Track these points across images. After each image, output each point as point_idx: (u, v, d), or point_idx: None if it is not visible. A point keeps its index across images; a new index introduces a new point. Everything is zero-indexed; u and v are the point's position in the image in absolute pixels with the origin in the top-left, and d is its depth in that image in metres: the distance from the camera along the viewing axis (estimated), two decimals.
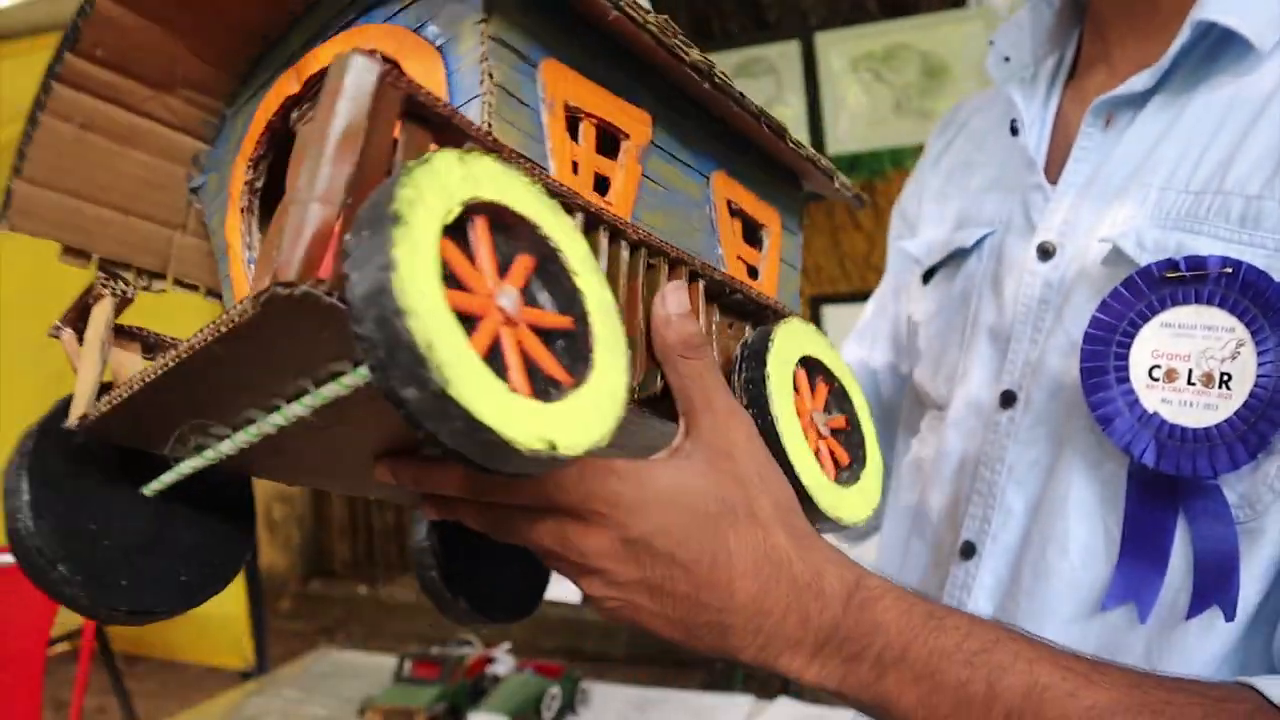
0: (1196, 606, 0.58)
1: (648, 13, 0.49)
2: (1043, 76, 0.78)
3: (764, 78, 2.43)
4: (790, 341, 0.57)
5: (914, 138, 2.34)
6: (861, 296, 2.69)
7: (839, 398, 0.61)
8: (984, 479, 0.71)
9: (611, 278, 0.49)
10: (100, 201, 0.54)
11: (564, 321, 0.41)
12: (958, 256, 0.80)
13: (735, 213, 0.61)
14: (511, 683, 1.88)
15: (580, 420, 0.39)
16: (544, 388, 0.39)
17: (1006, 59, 0.79)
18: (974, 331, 0.75)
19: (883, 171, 2.64)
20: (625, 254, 0.50)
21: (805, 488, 0.54)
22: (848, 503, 0.56)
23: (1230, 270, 0.57)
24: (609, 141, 0.51)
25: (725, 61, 2.44)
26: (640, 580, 0.47)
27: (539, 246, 0.41)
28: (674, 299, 0.51)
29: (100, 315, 0.53)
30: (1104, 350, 0.59)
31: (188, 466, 0.48)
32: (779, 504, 0.50)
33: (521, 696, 1.82)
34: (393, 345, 0.34)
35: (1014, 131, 0.77)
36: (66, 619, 2.39)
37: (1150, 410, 0.58)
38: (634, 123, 0.52)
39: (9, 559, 1.60)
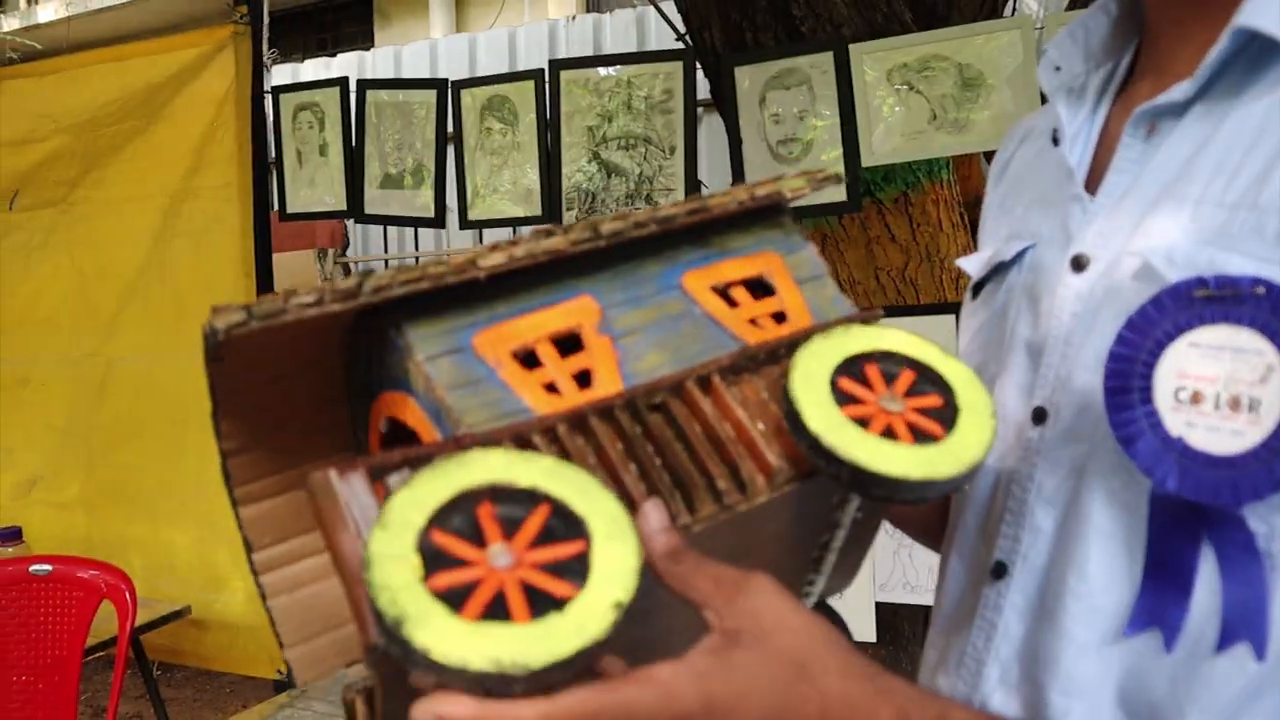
0: (1225, 641, 0.55)
1: (513, 243, 0.57)
2: (1092, 87, 0.77)
3: (797, 89, 2.41)
4: (811, 363, 0.58)
5: (950, 149, 2.30)
6: (899, 311, 2.66)
7: (894, 363, 0.61)
8: (1015, 497, 0.70)
9: (625, 441, 0.55)
10: (342, 623, 0.65)
11: (569, 550, 0.48)
12: (1001, 270, 0.79)
13: (726, 289, 0.63)
14: None
15: (573, 626, 0.45)
16: (544, 610, 0.46)
17: (1057, 68, 0.78)
18: (1011, 345, 0.74)
19: (918, 183, 2.61)
20: (625, 417, 0.56)
21: (891, 477, 0.54)
22: (947, 458, 0.56)
23: (1262, 290, 0.55)
24: (574, 340, 0.58)
25: (758, 74, 2.43)
26: None
27: (522, 495, 0.49)
28: (654, 517, 0.52)
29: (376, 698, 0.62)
30: (1129, 369, 0.57)
31: None
32: (835, 658, 0.51)
33: None
34: (399, 650, 0.44)
35: (1055, 142, 0.75)
36: (101, 627, 2.41)
37: (1174, 434, 0.55)
38: (575, 314, 0.58)
39: (46, 568, 1.63)
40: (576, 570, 0.47)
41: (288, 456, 0.62)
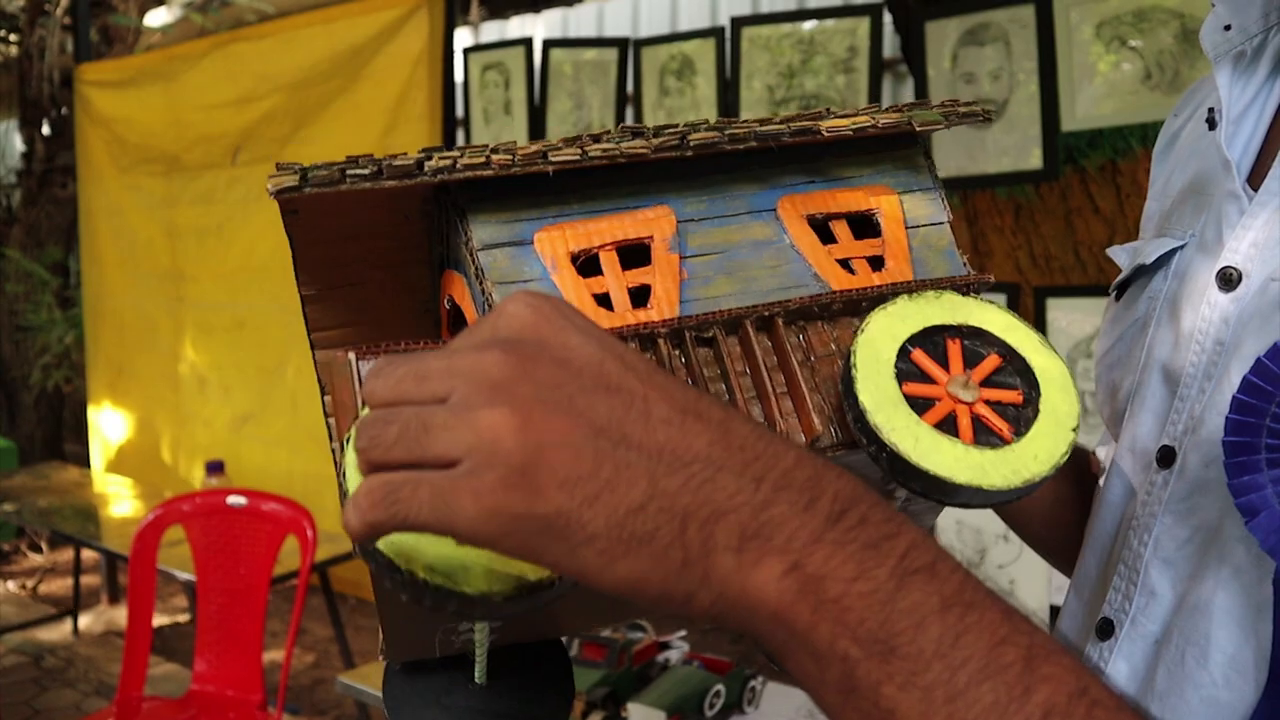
0: None
1: (595, 138, 0.52)
2: (1270, 50, 0.62)
3: (992, 45, 2.22)
4: (886, 326, 0.52)
5: (1166, 112, 2.07)
6: (1097, 290, 2.43)
7: (982, 343, 0.53)
8: (1131, 548, 0.60)
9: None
10: None
11: None
12: (1144, 272, 0.67)
13: (824, 220, 0.57)
14: (676, 674, 1.85)
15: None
16: None
17: (1227, 27, 0.63)
18: (1147, 366, 0.63)
19: (1129, 149, 2.35)
20: (668, 347, 0.52)
21: (932, 474, 0.47)
22: (1001, 467, 0.48)
23: None
24: (642, 251, 0.54)
25: (951, 29, 2.25)
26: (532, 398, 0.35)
27: None
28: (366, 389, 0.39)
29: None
30: (1255, 423, 0.46)
31: (479, 649, 0.56)
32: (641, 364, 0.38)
33: (683, 691, 1.78)
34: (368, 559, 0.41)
35: (1211, 124, 0.62)
36: (286, 559, 2.59)
37: None
38: (650, 223, 0.54)
39: (241, 500, 1.75)
40: None
41: (364, 311, 0.62)
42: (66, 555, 4.53)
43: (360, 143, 3.14)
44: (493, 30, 6.30)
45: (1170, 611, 0.56)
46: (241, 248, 3.59)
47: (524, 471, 0.34)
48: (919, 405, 0.50)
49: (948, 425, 0.49)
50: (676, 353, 0.52)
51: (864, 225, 0.57)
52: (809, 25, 2.49)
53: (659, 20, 5.64)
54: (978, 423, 0.50)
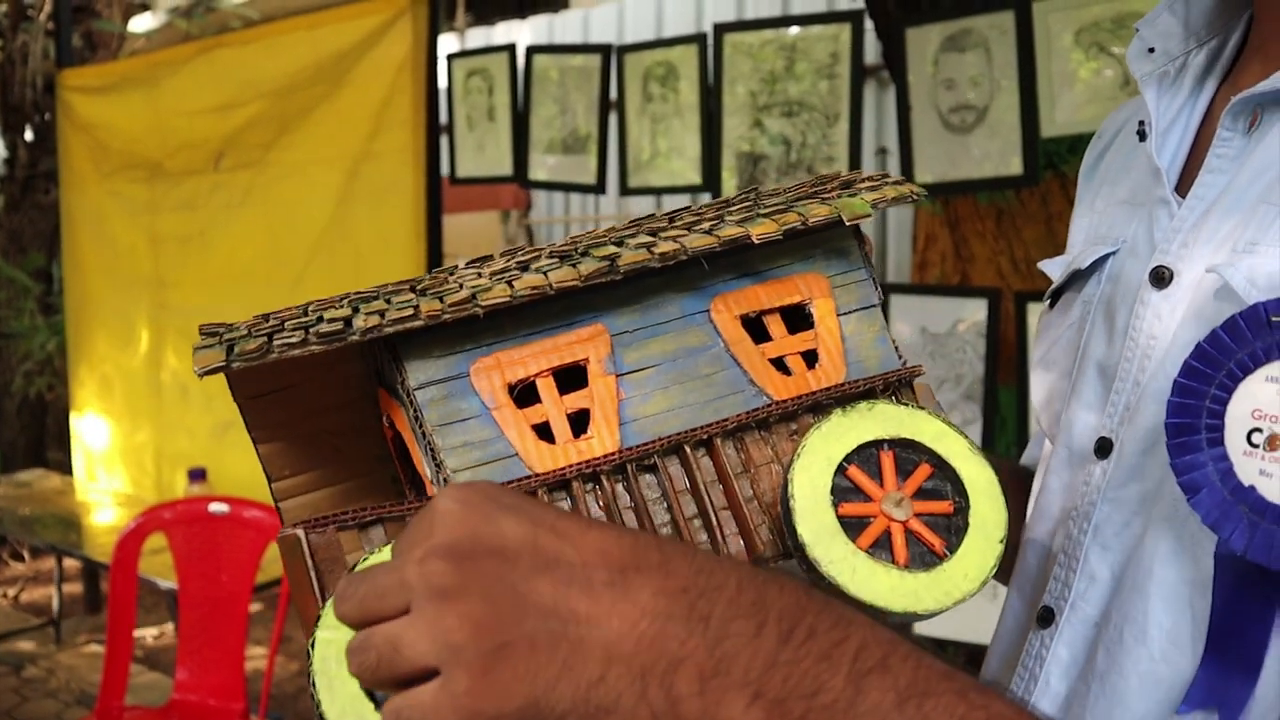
0: None
1: (524, 266, 0.53)
2: (1193, 68, 0.66)
3: (973, 52, 2.23)
4: (819, 451, 0.54)
5: None
6: None
7: (913, 452, 0.55)
8: (1071, 537, 0.62)
9: (607, 511, 0.53)
10: None
11: None
12: (1078, 278, 0.70)
13: (757, 318, 0.58)
14: None
15: None
16: None
17: (1150, 50, 0.67)
18: (1082, 364, 0.66)
19: None
20: (609, 482, 0.53)
21: (869, 604, 0.50)
22: (934, 590, 0.51)
23: None
24: (577, 373, 0.55)
25: (931, 35, 2.27)
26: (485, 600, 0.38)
27: None
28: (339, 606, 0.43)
29: None
30: (1196, 405, 0.48)
31: None
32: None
33: None
34: None
35: (1141, 136, 0.66)
36: (269, 567, 2.58)
37: (1245, 483, 0.46)
38: (584, 344, 0.55)
39: (224, 508, 1.73)
40: None
41: (297, 407, 0.63)
42: (48, 564, 4.50)
43: (344, 147, 3.14)
44: (478, 37, 6.32)
45: (1109, 593, 0.59)
46: (224, 254, 3.58)
47: (487, 672, 0.37)
48: (855, 526, 0.53)
49: (883, 545, 0.52)
50: (619, 480, 0.54)
51: (797, 314, 0.59)
52: (791, 31, 2.50)
53: (644, 27, 5.66)
54: (912, 538, 0.53)
